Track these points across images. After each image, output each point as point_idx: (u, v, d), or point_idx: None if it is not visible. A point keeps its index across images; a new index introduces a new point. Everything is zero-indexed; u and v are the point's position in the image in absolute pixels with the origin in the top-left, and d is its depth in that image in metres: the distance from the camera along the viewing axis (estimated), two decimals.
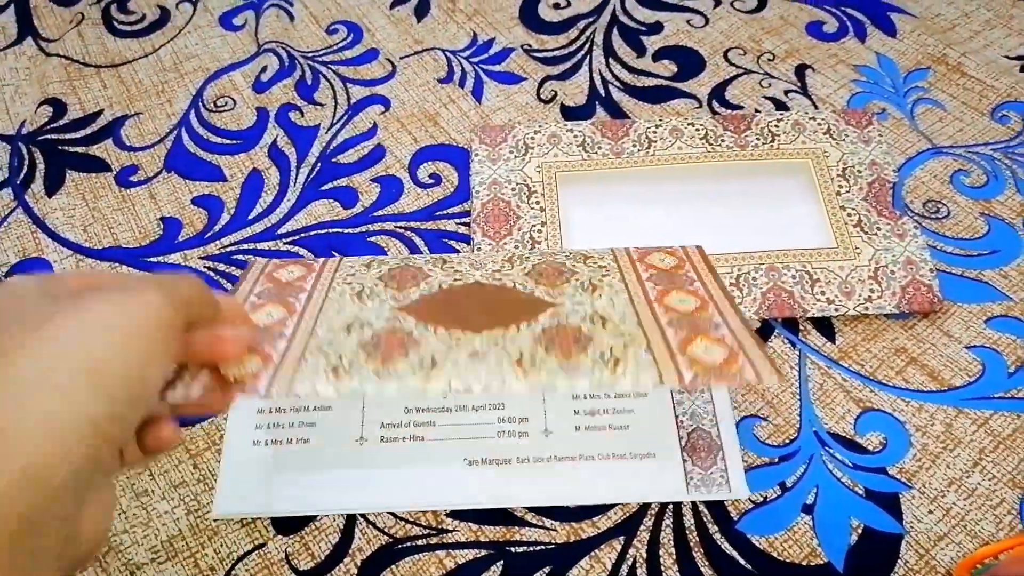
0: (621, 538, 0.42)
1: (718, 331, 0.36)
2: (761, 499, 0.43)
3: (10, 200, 0.55)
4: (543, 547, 0.42)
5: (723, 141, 0.57)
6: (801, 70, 0.63)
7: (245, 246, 0.53)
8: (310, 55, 0.65)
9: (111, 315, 0.23)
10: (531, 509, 0.43)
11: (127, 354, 0.22)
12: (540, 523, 0.42)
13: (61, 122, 0.60)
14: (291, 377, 0.32)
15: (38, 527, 0.20)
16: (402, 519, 0.43)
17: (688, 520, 0.42)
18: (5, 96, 0.61)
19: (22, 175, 0.56)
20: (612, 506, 0.43)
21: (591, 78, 0.63)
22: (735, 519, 0.42)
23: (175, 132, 0.60)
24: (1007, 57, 0.63)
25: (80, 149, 0.59)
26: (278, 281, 0.39)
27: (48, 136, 0.59)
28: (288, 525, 0.43)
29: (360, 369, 0.33)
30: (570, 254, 0.43)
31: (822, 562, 0.41)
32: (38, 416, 0.20)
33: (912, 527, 0.42)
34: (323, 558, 0.41)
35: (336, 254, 0.53)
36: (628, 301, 0.39)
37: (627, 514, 0.43)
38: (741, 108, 0.61)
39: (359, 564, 0.41)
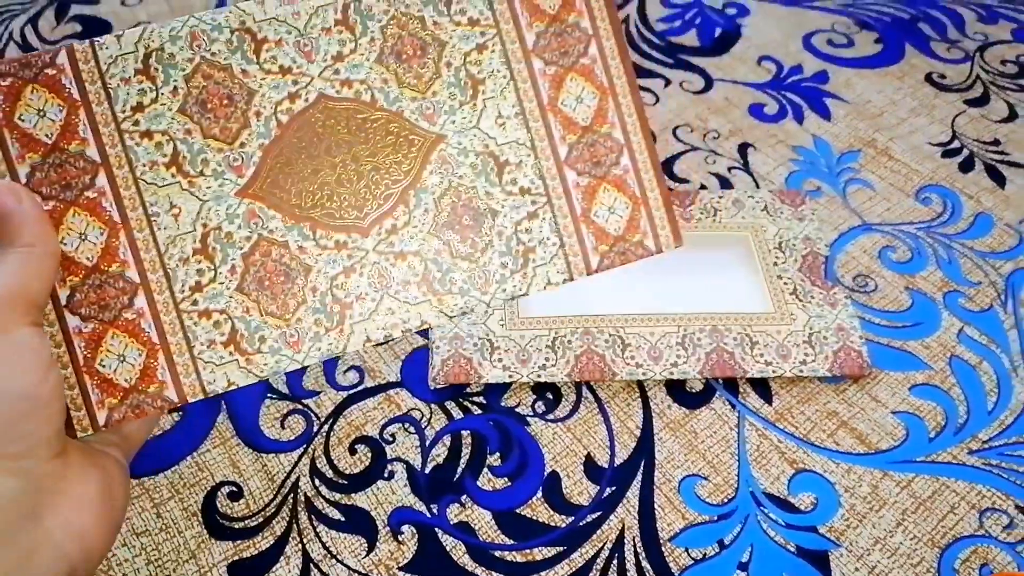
0: None
1: (620, 164, 0.34)
2: (700, 556, 0.45)
3: None
4: None
5: None
6: (744, 148, 0.68)
7: None
8: None
9: None
10: (497, 546, 0.44)
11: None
12: None
13: None
14: (195, 372, 0.30)
15: None
16: (355, 571, 0.44)
17: (632, 575, 0.44)
18: None
19: None
20: (557, 560, 0.44)
21: None
22: (676, 575, 0.44)
23: None
24: (930, 143, 0.69)
25: None
26: (34, 138, 0.30)
27: None
28: (252, 566, 0.43)
29: (260, 330, 0.31)
30: None
31: None
32: None
33: None
34: None
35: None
36: (519, 112, 0.33)
37: (573, 569, 0.44)
38: (688, 182, 0.65)
39: None
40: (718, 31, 0.79)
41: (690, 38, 0.79)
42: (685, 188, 0.64)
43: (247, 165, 0.31)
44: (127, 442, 0.32)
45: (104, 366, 0.30)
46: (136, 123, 0.31)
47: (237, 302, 0.31)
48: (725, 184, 0.65)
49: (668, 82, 0.74)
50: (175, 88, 0.31)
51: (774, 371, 0.52)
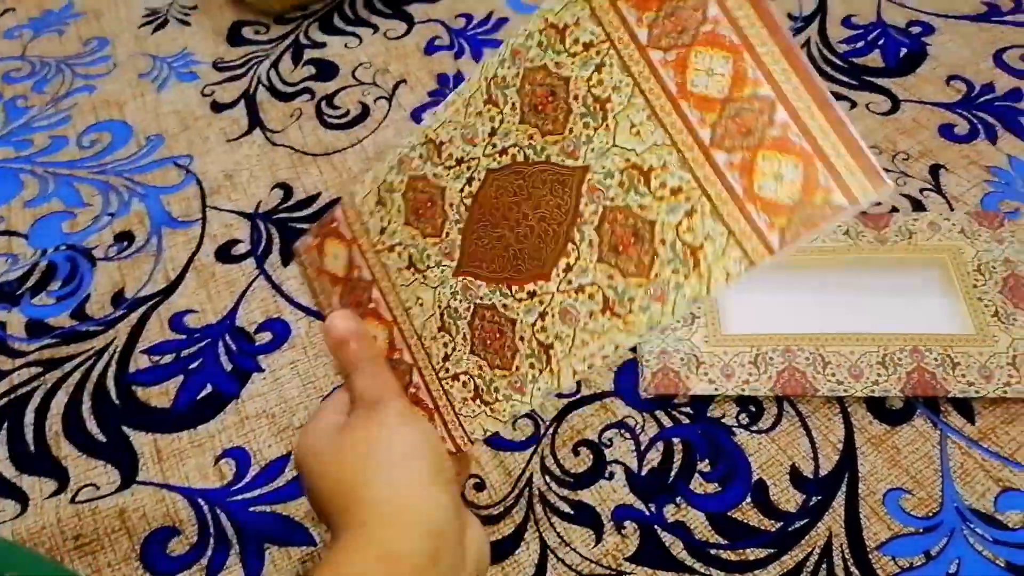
0: None
1: (775, 123, 0.28)
2: (908, 565, 0.48)
3: (253, 268, 0.67)
4: None
5: (864, 236, 0.63)
6: (935, 170, 0.69)
7: None
8: None
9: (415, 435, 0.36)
10: (711, 545, 0.49)
11: (435, 454, 0.36)
12: (708, 573, 0.49)
13: (289, 203, 0.72)
14: (460, 427, 0.37)
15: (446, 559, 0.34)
16: (586, 558, 0.50)
17: None
18: (243, 179, 0.73)
19: (261, 247, 0.68)
20: (769, 561, 0.49)
21: None
22: None
23: None
24: None
25: (305, 226, 0.70)
26: (336, 276, 0.41)
27: (280, 215, 0.71)
28: (496, 550, 0.50)
29: (493, 382, 0.36)
30: (540, 32, 0.34)
31: None
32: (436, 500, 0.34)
33: None
34: None
35: None
36: (650, 114, 0.31)
37: (784, 570, 0.49)
38: (879, 204, 0.67)
39: None
40: (903, 51, 0.80)
41: (874, 59, 0.80)
42: (877, 211, 0.66)
43: (454, 250, 0.38)
44: None
45: None
46: (383, 243, 0.40)
47: (473, 363, 0.37)
48: (918, 206, 0.66)
49: (854, 104, 0.76)
50: (398, 207, 0.39)
51: (977, 392, 0.54)
